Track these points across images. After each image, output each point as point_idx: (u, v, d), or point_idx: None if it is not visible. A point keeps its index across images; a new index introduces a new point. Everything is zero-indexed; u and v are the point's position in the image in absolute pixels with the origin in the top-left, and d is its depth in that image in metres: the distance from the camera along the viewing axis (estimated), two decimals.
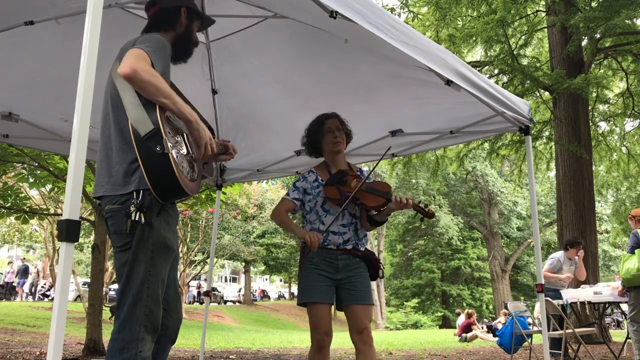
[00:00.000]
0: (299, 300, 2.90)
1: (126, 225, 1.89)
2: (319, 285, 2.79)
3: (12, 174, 7.60)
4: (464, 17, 10.66)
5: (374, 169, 3.16)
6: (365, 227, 3.01)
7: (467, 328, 12.23)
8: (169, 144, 1.86)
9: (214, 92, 4.15)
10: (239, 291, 38.64)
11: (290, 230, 2.98)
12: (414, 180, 24.18)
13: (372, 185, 2.92)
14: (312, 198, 2.93)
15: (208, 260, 18.33)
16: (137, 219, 1.88)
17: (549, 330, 5.69)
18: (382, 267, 2.99)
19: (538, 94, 9.88)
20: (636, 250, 5.00)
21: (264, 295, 41.41)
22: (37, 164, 6.70)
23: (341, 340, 10.01)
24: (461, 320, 13.28)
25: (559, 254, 6.80)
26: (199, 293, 31.22)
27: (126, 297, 1.89)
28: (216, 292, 33.13)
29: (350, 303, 2.82)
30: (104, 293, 8.14)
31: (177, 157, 1.90)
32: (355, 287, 2.83)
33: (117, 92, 1.99)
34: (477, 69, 9.76)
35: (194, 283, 30.03)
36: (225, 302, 34.88)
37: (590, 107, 10.44)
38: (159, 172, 1.85)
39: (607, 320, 17.68)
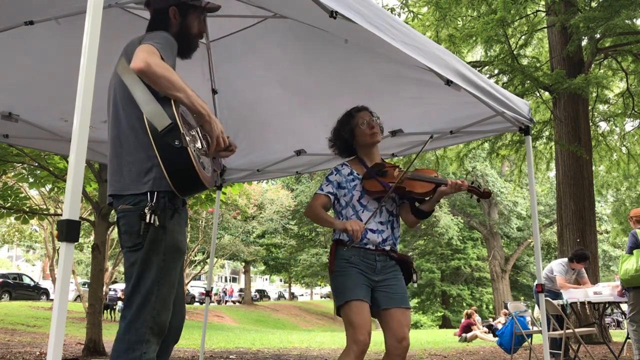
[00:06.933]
0: (339, 300, 2.55)
1: (139, 226, 1.88)
2: (361, 283, 2.54)
3: (12, 174, 7.60)
4: (464, 17, 10.64)
5: (415, 158, 2.90)
6: (409, 221, 2.80)
7: (467, 328, 12.23)
8: (187, 138, 1.86)
9: (214, 92, 4.14)
10: (238, 291, 38.84)
11: (326, 223, 2.70)
12: None
13: (415, 172, 2.69)
14: (347, 192, 2.69)
15: (208, 260, 18.33)
16: (151, 221, 1.87)
17: (549, 330, 5.69)
18: (414, 270, 2.78)
19: (538, 94, 9.86)
20: (634, 251, 5.00)
21: (265, 294, 41.34)
22: (37, 164, 6.70)
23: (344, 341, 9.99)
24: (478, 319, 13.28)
25: (564, 261, 6.72)
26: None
27: (135, 298, 1.88)
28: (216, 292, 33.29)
29: (390, 307, 2.57)
30: (103, 293, 8.14)
31: (194, 150, 1.90)
32: (394, 290, 2.61)
33: (124, 88, 1.96)
34: (477, 69, 9.76)
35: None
36: (226, 302, 35.08)
37: (590, 107, 10.43)
38: (178, 166, 1.84)
39: (607, 320, 17.65)
